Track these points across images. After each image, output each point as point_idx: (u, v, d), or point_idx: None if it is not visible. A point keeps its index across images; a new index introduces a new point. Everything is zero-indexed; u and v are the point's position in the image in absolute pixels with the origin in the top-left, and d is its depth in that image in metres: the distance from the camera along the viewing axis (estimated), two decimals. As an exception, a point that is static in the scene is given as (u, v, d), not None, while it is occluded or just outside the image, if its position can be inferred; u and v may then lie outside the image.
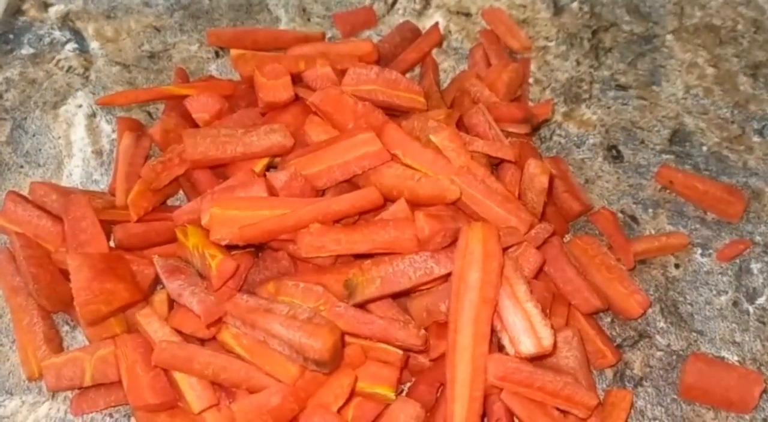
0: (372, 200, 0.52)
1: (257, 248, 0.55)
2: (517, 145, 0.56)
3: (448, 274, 0.49)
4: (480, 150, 0.54)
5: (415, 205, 0.53)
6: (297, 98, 0.59)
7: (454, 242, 0.49)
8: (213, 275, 0.49)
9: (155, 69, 0.70)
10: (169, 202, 0.61)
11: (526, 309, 0.47)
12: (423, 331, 0.48)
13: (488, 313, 0.47)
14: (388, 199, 0.54)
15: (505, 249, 0.51)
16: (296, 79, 0.61)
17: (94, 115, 0.67)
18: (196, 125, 0.60)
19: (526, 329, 0.46)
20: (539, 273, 0.53)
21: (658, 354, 0.55)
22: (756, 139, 0.65)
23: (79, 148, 0.65)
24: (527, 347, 0.46)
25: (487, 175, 0.53)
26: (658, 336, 0.55)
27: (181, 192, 0.61)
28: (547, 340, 0.46)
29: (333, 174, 0.54)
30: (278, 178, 0.53)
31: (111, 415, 0.52)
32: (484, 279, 0.47)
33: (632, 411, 0.52)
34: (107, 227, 0.57)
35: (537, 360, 0.49)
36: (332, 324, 0.46)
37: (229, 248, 0.52)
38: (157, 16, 0.74)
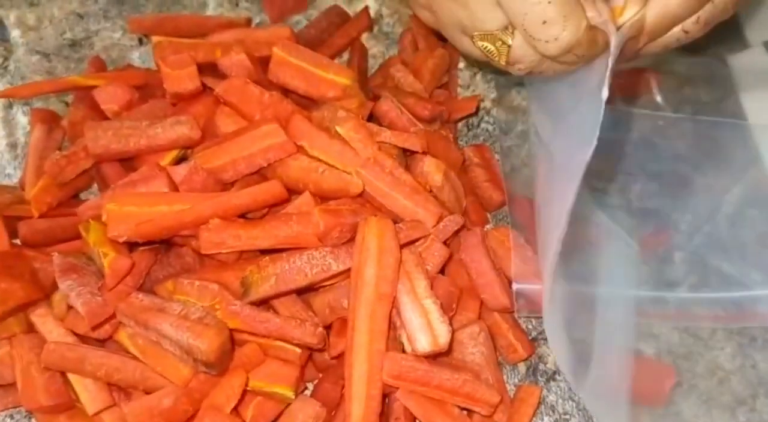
0: (275, 194, 0.50)
1: (164, 244, 0.53)
2: (424, 135, 0.54)
3: (349, 270, 0.47)
4: (387, 140, 0.53)
5: (320, 197, 0.51)
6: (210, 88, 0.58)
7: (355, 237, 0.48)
8: (106, 273, 0.47)
9: (76, 58, 0.69)
10: (84, 196, 0.60)
11: (425, 305, 0.46)
12: (320, 329, 0.47)
13: (384, 310, 0.46)
14: (294, 192, 0.52)
15: (410, 243, 0.50)
16: (213, 68, 0.59)
17: (10, 106, 0.65)
18: (105, 117, 0.58)
19: (422, 326, 0.45)
20: (447, 266, 0.52)
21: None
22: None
23: (-7, 141, 0.63)
24: (422, 345, 0.45)
25: (395, 167, 0.52)
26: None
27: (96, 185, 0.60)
28: (443, 338, 0.45)
29: (238, 166, 0.52)
30: (178, 171, 0.51)
31: (12, 416, 0.51)
32: (379, 275, 0.46)
33: (543, 406, 0.51)
34: (15, 223, 0.56)
35: (441, 356, 0.48)
36: (221, 324, 0.45)
37: (133, 244, 0.51)
38: (81, 2, 0.72)
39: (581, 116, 0.48)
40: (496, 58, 0.49)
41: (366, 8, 0.70)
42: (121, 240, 0.49)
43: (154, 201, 0.50)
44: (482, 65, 0.59)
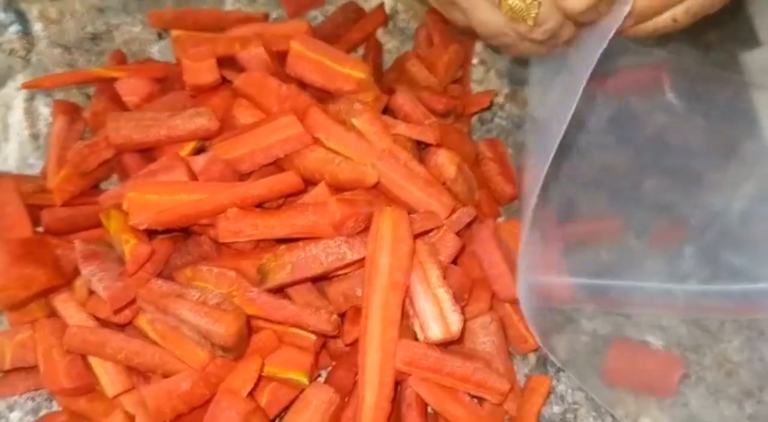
0: (291, 184, 0.51)
1: (183, 232, 0.54)
2: (438, 128, 0.55)
3: (363, 259, 0.48)
4: (402, 133, 0.53)
5: (336, 188, 0.52)
6: (228, 81, 0.59)
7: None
8: (127, 260, 0.49)
9: (97, 51, 0.70)
10: (104, 186, 0.62)
11: (437, 294, 0.47)
12: (335, 317, 0.48)
13: (398, 298, 0.47)
14: (310, 183, 0.53)
15: (423, 234, 0.51)
16: (232, 61, 0.60)
17: (32, 98, 0.67)
18: (126, 108, 0.59)
19: (435, 315, 0.46)
20: (459, 257, 0.53)
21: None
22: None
23: (16, 132, 0.65)
24: (435, 333, 0.46)
25: (409, 159, 0.53)
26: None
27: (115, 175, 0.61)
28: (455, 326, 0.46)
29: (256, 157, 0.53)
30: (197, 161, 0.52)
31: (33, 398, 0.53)
32: (393, 264, 0.47)
33: (553, 395, 0.52)
34: (37, 211, 0.57)
35: (453, 345, 0.49)
36: (239, 310, 0.46)
37: (152, 232, 0.52)
38: (102, -3, 0.74)
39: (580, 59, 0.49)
40: (525, 16, 0.47)
41: (381, 4, 0.71)
42: (141, 228, 0.50)
43: (174, 190, 0.51)
44: (501, 51, 0.58)
